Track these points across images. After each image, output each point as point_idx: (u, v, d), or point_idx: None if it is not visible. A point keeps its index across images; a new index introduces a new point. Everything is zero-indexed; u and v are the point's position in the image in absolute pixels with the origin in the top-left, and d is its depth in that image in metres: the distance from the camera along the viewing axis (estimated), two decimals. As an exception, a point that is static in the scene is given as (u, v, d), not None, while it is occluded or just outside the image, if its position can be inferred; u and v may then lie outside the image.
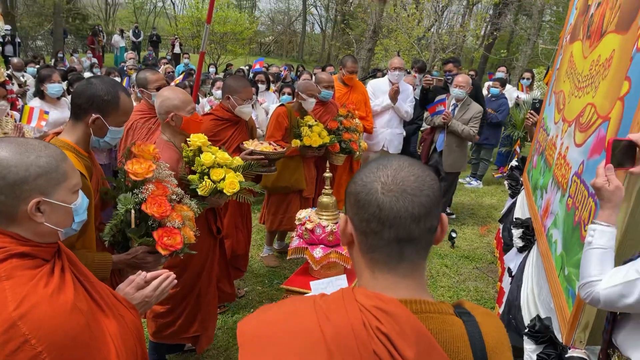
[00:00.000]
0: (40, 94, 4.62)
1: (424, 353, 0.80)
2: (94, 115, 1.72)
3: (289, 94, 6.03)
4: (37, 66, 9.34)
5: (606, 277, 1.35)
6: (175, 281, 1.48)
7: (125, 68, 8.38)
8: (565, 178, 2.39)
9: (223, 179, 2.40)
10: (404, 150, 5.72)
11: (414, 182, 0.84)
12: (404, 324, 0.81)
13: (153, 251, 1.85)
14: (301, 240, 3.31)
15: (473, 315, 0.91)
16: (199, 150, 2.36)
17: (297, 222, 3.33)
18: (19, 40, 14.58)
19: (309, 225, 3.23)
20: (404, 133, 5.55)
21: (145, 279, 1.40)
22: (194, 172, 2.40)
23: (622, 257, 1.47)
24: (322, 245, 3.22)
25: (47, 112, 4.06)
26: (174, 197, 1.96)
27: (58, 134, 1.84)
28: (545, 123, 3.53)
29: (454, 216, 5.74)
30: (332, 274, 3.30)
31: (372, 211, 0.84)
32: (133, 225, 1.84)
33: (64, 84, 5.65)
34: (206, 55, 16.43)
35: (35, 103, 4.46)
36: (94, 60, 12.84)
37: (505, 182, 4.43)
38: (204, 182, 2.33)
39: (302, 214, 3.39)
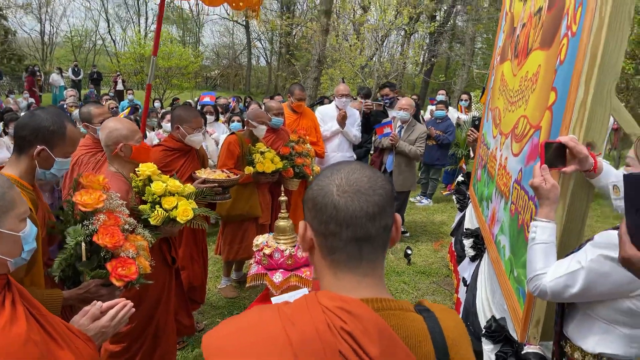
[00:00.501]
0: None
1: (387, 349, 0.82)
2: (39, 147, 1.67)
3: (238, 121, 6.06)
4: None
5: (551, 270, 1.44)
6: (134, 309, 1.44)
7: (65, 106, 8.11)
8: (507, 186, 2.54)
9: (175, 207, 2.36)
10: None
11: (367, 182, 0.88)
12: (367, 322, 0.83)
13: (107, 283, 1.79)
14: (260, 266, 3.28)
15: (432, 312, 0.95)
16: (149, 180, 2.32)
17: (254, 249, 3.30)
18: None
19: (267, 251, 3.22)
20: (355, 156, 5.68)
21: (100, 309, 1.35)
22: (144, 202, 2.35)
23: (565, 251, 1.57)
24: (282, 270, 3.21)
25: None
26: (126, 227, 1.91)
27: (0, 168, 1.76)
28: (485, 138, 3.74)
29: (407, 234, 5.88)
30: (293, 298, 3.27)
31: (330, 212, 0.87)
32: (84, 259, 1.77)
33: (0, 125, 5.41)
34: (152, 90, 16.19)
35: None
36: (31, 100, 12.32)
37: (454, 197, 4.62)
38: (156, 211, 2.29)
39: (260, 239, 3.38)
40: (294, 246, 3.28)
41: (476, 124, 4.44)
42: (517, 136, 2.46)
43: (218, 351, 0.84)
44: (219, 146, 5.63)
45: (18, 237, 1.13)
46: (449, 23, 18.89)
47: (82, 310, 1.36)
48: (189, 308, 3.07)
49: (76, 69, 17.41)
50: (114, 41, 28.23)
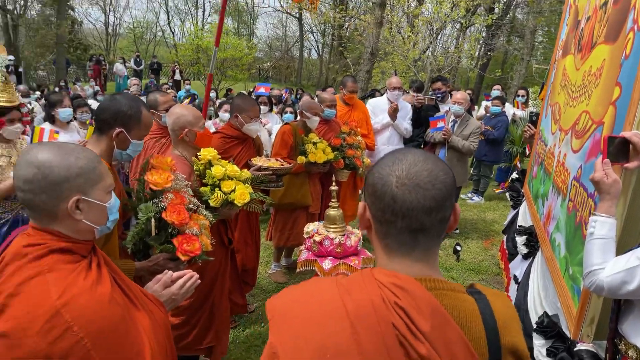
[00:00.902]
0: (50, 118, 4.74)
1: (438, 326, 0.85)
2: (117, 129, 1.82)
3: (291, 112, 6.19)
4: (36, 94, 9.52)
5: (609, 266, 1.43)
6: (199, 281, 1.56)
7: (132, 93, 8.57)
8: (565, 183, 2.49)
9: (233, 190, 2.49)
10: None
11: (427, 177, 0.90)
12: (419, 299, 0.87)
13: (173, 258, 1.93)
14: (310, 252, 3.38)
15: (484, 294, 0.97)
16: (209, 164, 2.45)
17: (305, 236, 3.40)
18: (22, 69, 14.85)
19: (318, 238, 3.31)
20: (405, 150, 5.66)
21: (171, 278, 1.48)
22: (205, 185, 2.49)
23: (623, 249, 1.55)
24: (331, 257, 3.29)
25: (57, 132, 4.18)
26: (191, 206, 2.04)
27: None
28: (542, 135, 3.64)
29: (457, 231, 5.80)
30: (341, 286, 3.35)
31: (387, 202, 0.90)
32: (153, 234, 1.92)
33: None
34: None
35: (46, 126, 4.58)
36: (97, 88, 13.07)
37: (507, 194, 4.52)
38: (216, 193, 2.42)
39: (310, 227, 3.47)
40: (343, 235, 3.35)
41: (533, 119, 4.32)
42: (578, 132, 2.40)
43: (281, 312, 0.91)
44: (272, 136, 5.79)
45: (104, 207, 1.26)
46: (508, 16, 18.22)
47: (154, 278, 1.50)
48: (242, 289, 3.21)
49: (138, 59, 18.24)
50: (172, 33, 29.30)
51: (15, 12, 19.92)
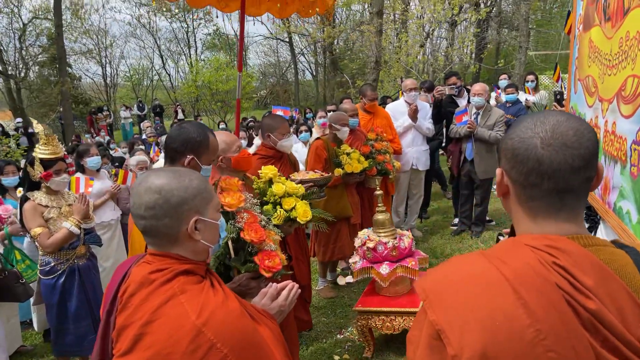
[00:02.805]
0: (80, 168, 4.81)
1: (601, 281, 0.84)
2: (189, 157, 1.85)
3: (306, 131, 6.26)
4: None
5: None
6: (299, 290, 1.55)
7: (144, 137, 8.69)
8: (621, 150, 2.47)
9: (294, 207, 2.50)
10: (430, 166, 5.83)
11: (573, 135, 0.89)
12: (577, 256, 0.86)
13: (254, 276, 1.93)
14: (364, 260, 3.36)
15: (632, 247, 0.96)
16: (270, 182, 2.47)
17: (357, 244, 3.39)
18: (31, 130, 15.10)
19: (371, 244, 3.30)
20: (429, 149, 5.67)
21: (277, 290, 1.48)
22: (265, 203, 2.50)
23: None
24: (387, 262, 3.27)
25: (92, 179, 4.25)
26: (263, 223, 2.05)
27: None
28: (576, 111, 3.63)
29: (493, 222, 5.76)
30: (400, 290, 3.33)
31: (532, 165, 0.89)
32: (233, 255, 1.92)
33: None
34: (214, 115, 17.00)
35: (80, 176, 4.65)
36: (107, 137, 13.27)
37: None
38: (278, 211, 2.43)
39: (361, 234, 3.46)
40: (395, 238, 3.34)
41: (558, 98, 4.32)
42: (627, 97, 2.39)
43: (436, 290, 0.88)
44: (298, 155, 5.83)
45: (217, 225, 1.27)
46: (494, 9, 18.41)
47: (260, 292, 1.49)
48: (305, 304, 3.19)
49: (141, 105, 18.56)
50: (169, 75, 29.76)
51: (17, 75, 20.42)
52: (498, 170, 0.99)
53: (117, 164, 6.70)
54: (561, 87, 7.43)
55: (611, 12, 2.74)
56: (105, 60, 28.39)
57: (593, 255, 0.88)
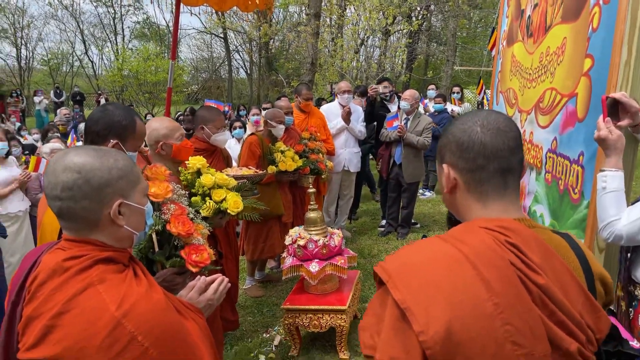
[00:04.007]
0: (-18, 153, 4.36)
1: (546, 259, 0.92)
2: (112, 141, 1.71)
3: (240, 127, 6.15)
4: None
5: (625, 215, 1.54)
6: (229, 284, 1.49)
7: (57, 123, 8.06)
8: (537, 158, 2.65)
9: (224, 199, 2.41)
10: (361, 169, 5.94)
11: (503, 122, 1.01)
12: (525, 236, 0.93)
13: (180, 272, 1.83)
14: (294, 258, 3.34)
15: (565, 232, 1.06)
16: (198, 173, 2.36)
17: (287, 241, 3.35)
18: None
19: (301, 242, 3.28)
20: (361, 152, 5.77)
21: (205, 283, 1.40)
22: (193, 195, 2.40)
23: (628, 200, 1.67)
24: (317, 260, 3.27)
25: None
26: (191, 216, 1.95)
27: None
28: (497, 120, 3.85)
29: (418, 225, 5.98)
30: (328, 288, 3.34)
31: (477, 149, 0.98)
32: (157, 249, 1.81)
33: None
34: (141, 107, 16.18)
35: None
36: (18, 124, 12.17)
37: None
38: (207, 203, 2.34)
39: (292, 232, 3.43)
40: (326, 236, 3.34)
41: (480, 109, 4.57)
42: (544, 109, 2.57)
43: (398, 271, 0.90)
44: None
45: (143, 210, 1.17)
46: (424, 23, 19.29)
47: (187, 285, 1.41)
48: (233, 303, 3.10)
49: (58, 91, 17.21)
50: (91, 62, 27.95)
51: None
52: (444, 167, 1.04)
53: (27, 152, 6.15)
54: (483, 99, 7.90)
55: (534, 28, 2.94)
56: (21, 42, 26.07)
57: (537, 235, 0.95)
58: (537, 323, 0.84)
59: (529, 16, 3.07)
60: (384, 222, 5.85)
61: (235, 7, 3.92)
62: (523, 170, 1.03)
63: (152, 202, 1.85)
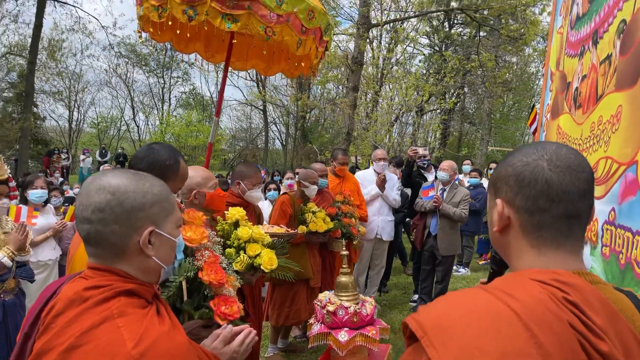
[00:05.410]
0: (23, 200, 4.46)
1: (610, 320, 0.78)
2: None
3: (274, 189, 6.16)
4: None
5: None
6: (257, 338, 1.36)
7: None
8: (592, 231, 2.47)
9: (258, 254, 2.32)
10: (394, 239, 5.77)
11: (575, 159, 0.87)
12: (587, 293, 0.80)
13: (207, 324, 1.70)
14: (322, 325, 3.13)
15: (629, 290, 0.94)
16: (236, 224, 2.30)
17: (317, 306, 3.17)
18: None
19: (331, 308, 3.09)
20: (394, 220, 5.63)
21: (232, 333, 1.28)
22: (227, 247, 2.31)
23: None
24: (347, 328, 3.05)
25: (36, 209, 3.94)
26: (223, 265, 1.86)
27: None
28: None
29: (453, 303, 5.64)
30: (358, 361, 3.08)
31: (540, 188, 0.85)
32: (185, 297, 1.70)
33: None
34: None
35: (23, 206, 4.28)
36: (61, 179, 12.68)
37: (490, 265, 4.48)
38: (241, 256, 2.25)
39: (321, 296, 3.25)
40: (358, 303, 3.15)
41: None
42: (598, 179, 2.44)
43: (437, 328, 0.76)
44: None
45: (174, 243, 1.09)
46: (458, 103, 19.73)
47: (212, 334, 1.29)
48: (255, 368, 2.89)
49: (103, 151, 18.06)
50: (137, 127, 29.48)
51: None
52: (497, 202, 0.92)
53: (67, 203, 6.31)
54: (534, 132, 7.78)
55: (582, 99, 2.88)
56: (74, 105, 27.97)
57: (601, 293, 0.82)
58: None
59: (577, 88, 3.02)
60: (415, 296, 5.55)
61: (280, 74, 4.06)
62: (590, 218, 0.90)
63: (186, 248, 1.78)
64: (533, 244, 0.88)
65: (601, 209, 2.36)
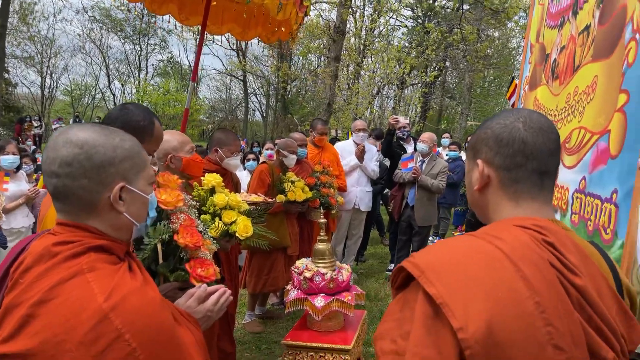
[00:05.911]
0: (-7, 166, 4.33)
1: (582, 260, 0.88)
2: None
3: (253, 159, 6.12)
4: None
5: None
6: (231, 297, 1.36)
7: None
8: (562, 200, 2.53)
9: (234, 222, 2.31)
10: (372, 210, 5.82)
11: (546, 122, 0.97)
12: (561, 236, 0.89)
13: (183, 287, 1.70)
14: (299, 291, 3.17)
15: (592, 240, 1.05)
16: (212, 191, 2.28)
17: (294, 272, 3.21)
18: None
19: (308, 274, 3.13)
20: (372, 191, 5.67)
21: (206, 292, 1.28)
22: (202, 213, 2.29)
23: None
24: (323, 294, 3.10)
25: (7, 175, 3.84)
26: (200, 228, 1.85)
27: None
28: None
29: (428, 272, 5.77)
30: (333, 325, 3.15)
31: (517, 146, 0.94)
32: (161, 260, 1.69)
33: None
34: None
35: (-7, 171, 4.17)
36: (33, 147, 12.34)
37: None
38: (216, 223, 2.23)
39: (299, 263, 3.28)
40: (334, 270, 3.19)
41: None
42: (571, 149, 2.48)
43: (434, 266, 0.84)
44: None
45: (146, 199, 1.07)
46: (439, 77, 19.73)
47: (186, 293, 1.28)
48: (231, 333, 2.92)
49: (77, 119, 17.59)
50: (113, 94, 28.69)
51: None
52: (478, 162, 0.99)
53: (39, 171, 6.16)
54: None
55: (559, 70, 2.90)
56: (47, 71, 26.97)
57: (572, 237, 0.92)
58: (576, 327, 0.80)
59: (555, 59, 3.04)
60: (392, 265, 5.66)
61: (257, 39, 3.97)
62: (556, 176, 0.99)
63: (161, 211, 1.75)
64: (510, 197, 0.96)
65: (572, 177, 2.42)
